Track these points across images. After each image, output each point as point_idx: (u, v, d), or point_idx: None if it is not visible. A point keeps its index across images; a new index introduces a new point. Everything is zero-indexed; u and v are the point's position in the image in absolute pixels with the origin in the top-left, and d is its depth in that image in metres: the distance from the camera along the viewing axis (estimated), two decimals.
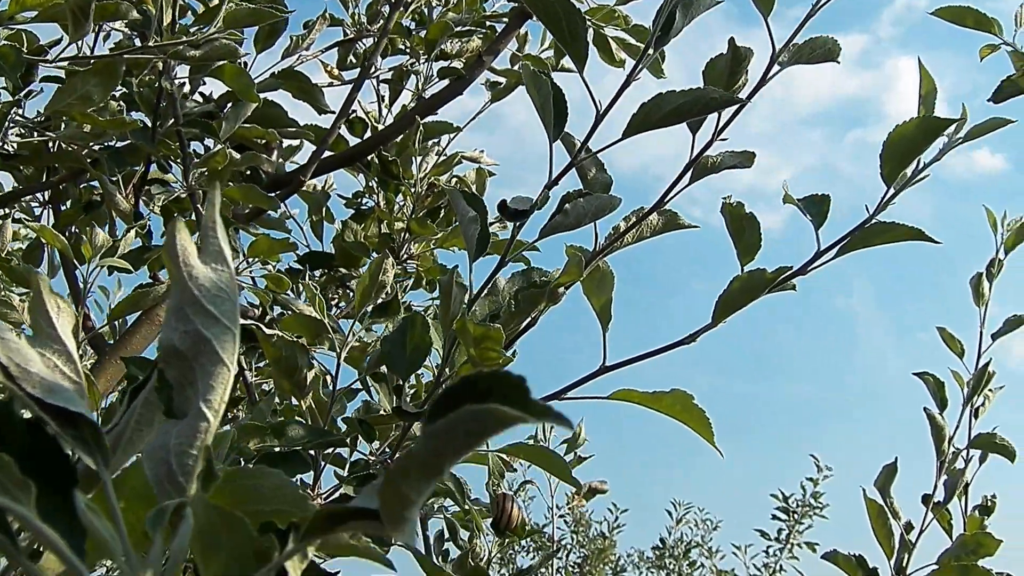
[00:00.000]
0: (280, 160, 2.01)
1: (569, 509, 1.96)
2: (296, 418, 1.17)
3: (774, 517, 4.47)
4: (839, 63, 1.11)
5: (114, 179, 1.63)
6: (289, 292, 1.50)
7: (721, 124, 1.15)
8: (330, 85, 2.09)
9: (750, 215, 1.13)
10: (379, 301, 1.26)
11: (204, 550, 0.46)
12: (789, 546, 4.44)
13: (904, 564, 1.85)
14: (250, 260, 1.61)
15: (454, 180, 1.84)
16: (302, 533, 0.45)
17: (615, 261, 1.19)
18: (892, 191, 1.14)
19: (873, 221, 1.14)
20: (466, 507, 1.19)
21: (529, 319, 1.20)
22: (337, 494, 1.16)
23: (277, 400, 1.30)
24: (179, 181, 1.62)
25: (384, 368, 1.18)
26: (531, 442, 1.13)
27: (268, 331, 1.14)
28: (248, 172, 1.80)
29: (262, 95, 1.86)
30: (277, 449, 1.08)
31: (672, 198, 1.18)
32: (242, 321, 1.13)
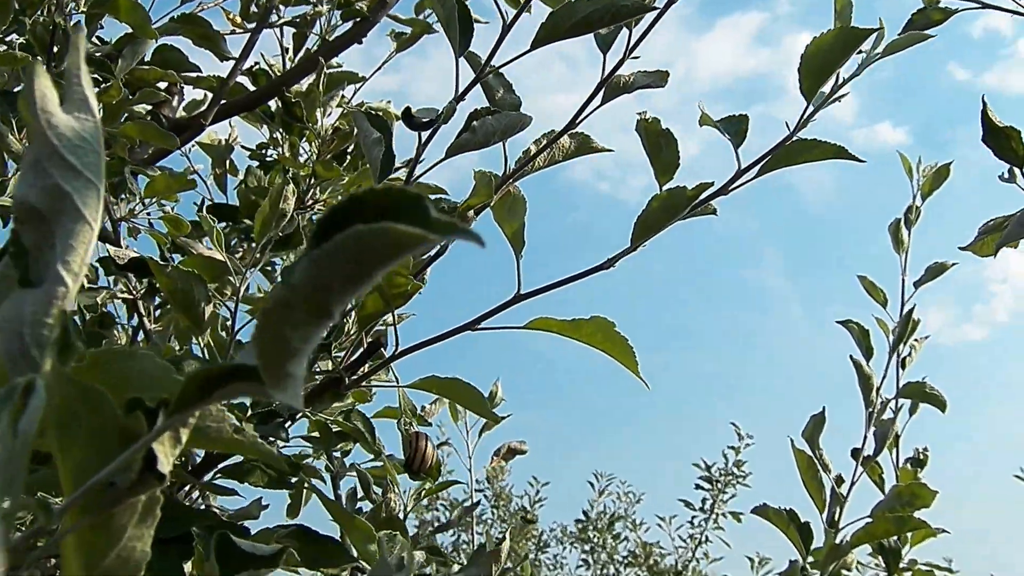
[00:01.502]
0: (184, 113, 1.95)
1: (491, 470, 1.92)
2: (194, 354, 1.11)
3: (697, 487, 4.46)
4: None
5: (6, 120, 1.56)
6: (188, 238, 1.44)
7: (633, 42, 1.12)
8: (232, 33, 2.02)
9: (667, 131, 1.10)
10: (281, 233, 1.21)
11: (60, 429, 0.42)
12: (714, 516, 4.43)
13: (836, 517, 1.85)
14: (147, 202, 1.55)
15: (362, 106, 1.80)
16: (172, 408, 0.40)
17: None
18: (812, 108, 1.12)
19: (794, 139, 1.12)
20: (376, 450, 1.14)
21: (438, 247, 1.16)
22: None
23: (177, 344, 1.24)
24: None
25: None
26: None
27: (162, 262, 1.09)
28: (148, 118, 1.74)
29: (161, 40, 1.80)
30: None
31: (584, 119, 1.15)
32: (135, 253, 1.07)
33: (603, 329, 1.07)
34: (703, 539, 4.55)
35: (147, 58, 1.80)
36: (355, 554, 1.09)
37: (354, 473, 1.43)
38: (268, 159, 1.90)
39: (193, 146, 1.91)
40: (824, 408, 1.90)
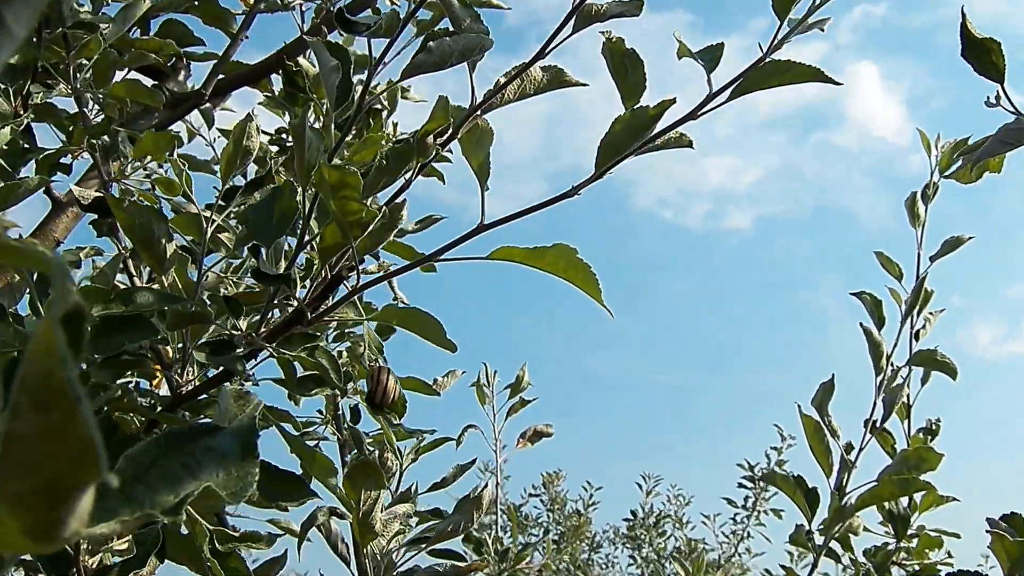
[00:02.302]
0: (188, 86, 1.92)
1: (519, 445, 1.87)
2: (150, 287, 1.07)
3: (740, 486, 4.45)
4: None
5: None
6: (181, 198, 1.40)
7: None
8: (243, 14, 2.00)
9: (632, 52, 1.04)
10: (252, 177, 1.17)
11: None
12: (756, 513, 4.42)
13: (844, 483, 1.77)
14: (146, 167, 1.51)
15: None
16: None
17: None
18: (786, 28, 1.06)
19: (767, 60, 1.05)
20: (341, 388, 1.09)
21: (404, 181, 1.11)
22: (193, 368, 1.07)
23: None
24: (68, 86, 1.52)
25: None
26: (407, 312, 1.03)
27: (118, 197, 1.05)
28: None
29: (168, 15, 1.78)
30: (122, 312, 0.98)
31: (553, 49, 1.09)
32: (98, 193, 1.02)
33: (565, 256, 1.01)
34: (745, 535, 4.53)
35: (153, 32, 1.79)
36: (315, 489, 1.04)
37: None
38: (288, 144, 1.86)
39: (217, 137, 1.88)
40: (833, 375, 1.83)
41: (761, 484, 4.45)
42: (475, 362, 2.18)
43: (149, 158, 1.42)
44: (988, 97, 1.10)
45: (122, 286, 1.54)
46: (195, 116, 1.84)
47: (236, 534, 1.08)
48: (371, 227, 1.00)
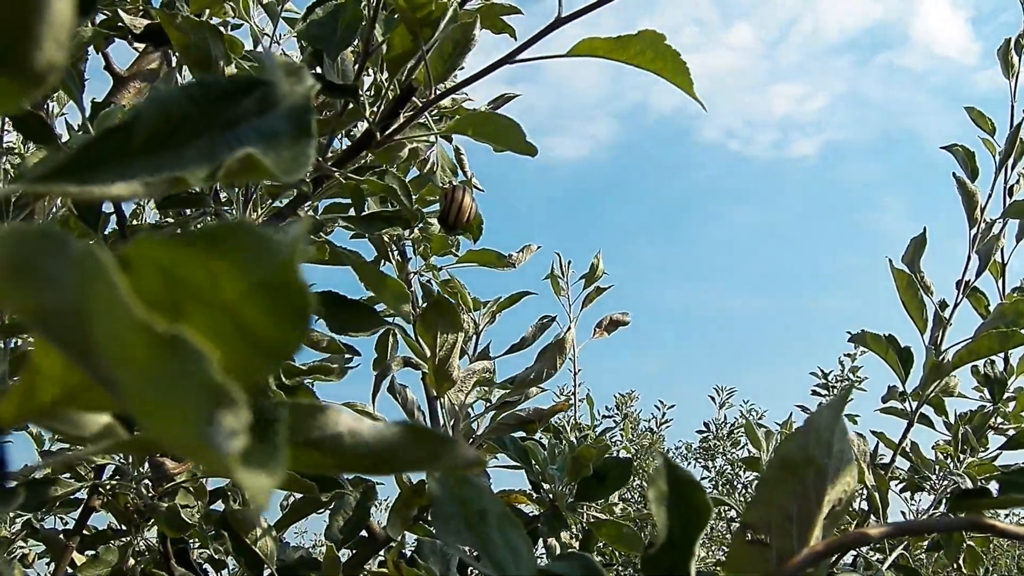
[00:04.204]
0: None
1: (596, 335, 1.76)
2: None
3: (814, 393, 4.32)
4: None
5: None
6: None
7: None
8: None
9: None
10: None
11: None
12: None
13: (939, 340, 1.63)
14: None
15: None
16: None
17: None
18: None
19: None
20: (412, 212, 0.97)
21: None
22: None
23: None
24: None
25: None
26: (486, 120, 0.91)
27: (170, 12, 0.94)
28: None
29: None
30: None
31: None
32: (143, 21, 0.90)
33: (653, 44, 0.88)
34: None
35: None
36: (386, 316, 0.94)
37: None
38: None
39: None
40: (925, 229, 1.68)
41: (835, 391, 4.32)
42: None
43: (208, 12, 1.31)
44: None
45: None
46: None
47: (303, 367, 0.98)
48: (440, 29, 0.88)
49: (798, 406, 4.46)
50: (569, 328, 1.14)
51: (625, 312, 1.90)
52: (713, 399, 5.02)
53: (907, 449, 1.62)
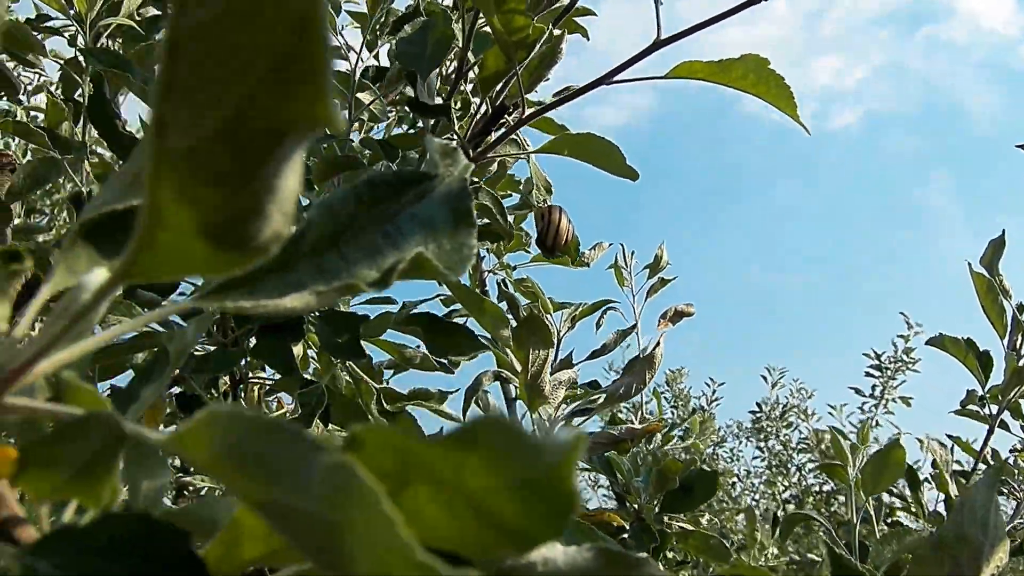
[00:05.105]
0: None
1: (661, 327, 1.72)
2: None
3: (867, 374, 4.26)
4: None
5: None
6: None
7: None
8: None
9: None
10: (401, 13, 1.03)
11: None
12: (884, 401, 4.23)
13: (1019, 344, 1.59)
14: None
15: None
16: None
17: None
18: None
19: None
20: (507, 230, 0.95)
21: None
22: None
23: None
24: None
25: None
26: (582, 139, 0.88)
27: None
28: None
29: None
30: None
31: None
32: None
33: (756, 68, 0.85)
34: (874, 424, 4.35)
35: None
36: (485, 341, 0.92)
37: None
38: None
39: None
40: (1004, 231, 1.63)
41: (888, 373, 4.25)
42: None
43: None
44: None
45: None
46: None
47: (404, 392, 0.97)
48: (535, 50, 0.85)
49: (851, 388, 4.41)
50: (658, 344, 1.11)
51: (690, 303, 1.87)
52: (765, 379, 4.97)
53: (986, 456, 1.58)
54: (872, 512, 1.29)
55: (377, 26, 0.99)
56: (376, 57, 1.02)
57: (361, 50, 0.99)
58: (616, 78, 0.89)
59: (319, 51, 0.17)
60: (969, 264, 1.56)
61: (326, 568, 0.22)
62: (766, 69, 0.85)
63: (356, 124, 0.97)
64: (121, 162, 0.96)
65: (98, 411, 0.26)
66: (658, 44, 0.88)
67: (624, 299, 2.04)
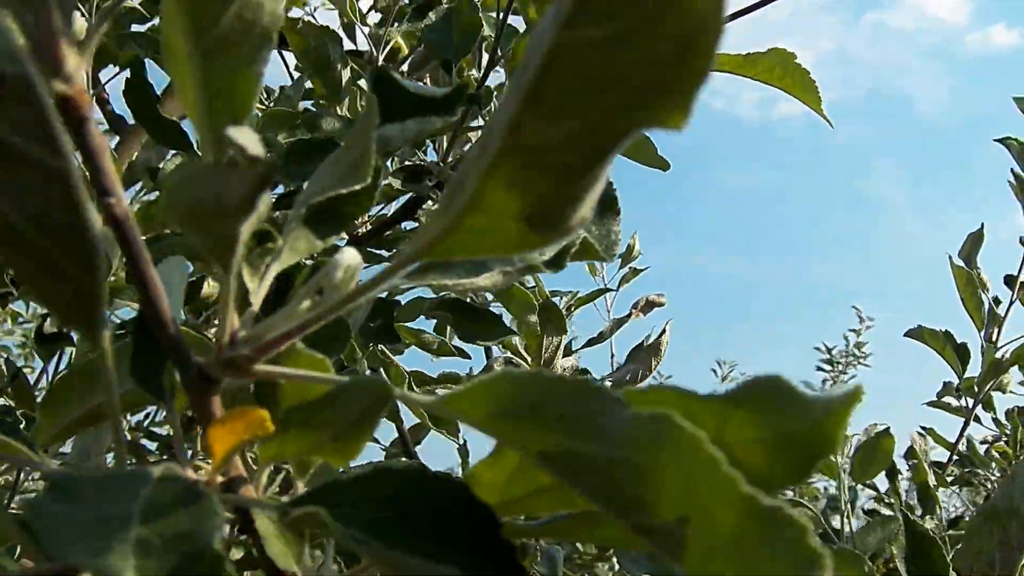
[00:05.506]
0: None
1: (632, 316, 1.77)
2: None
3: (818, 369, 4.34)
4: None
5: None
6: None
7: None
8: None
9: None
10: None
11: None
12: None
13: (994, 337, 1.66)
14: None
15: None
16: None
17: None
18: None
19: None
20: None
21: None
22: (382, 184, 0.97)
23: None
24: None
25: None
26: None
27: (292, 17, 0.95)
28: None
29: None
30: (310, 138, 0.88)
31: None
32: None
33: (782, 62, 0.90)
34: None
35: None
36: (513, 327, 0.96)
37: None
38: None
39: None
40: (983, 224, 1.71)
41: (839, 367, 4.34)
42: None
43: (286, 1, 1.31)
44: None
45: None
46: None
47: (434, 376, 1.00)
48: None
49: (803, 382, 4.50)
50: (664, 331, 1.15)
51: (661, 293, 1.92)
52: (715, 372, 5.04)
53: (961, 448, 1.65)
54: (848, 503, 1.35)
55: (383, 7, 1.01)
56: (354, 41, 1.05)
57: (383, 35, 1.02)
58: None
59: (704, 64, 0.21)
60: (950, 257, 1.63)
61: (616, 511, 0.25)
62: (792, 63, 0.90)
63: None
64: (161, 146, 0.98)
65: (369, 376, 0.29)
66: None
67: (595, 286, 2.08)
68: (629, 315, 1.88)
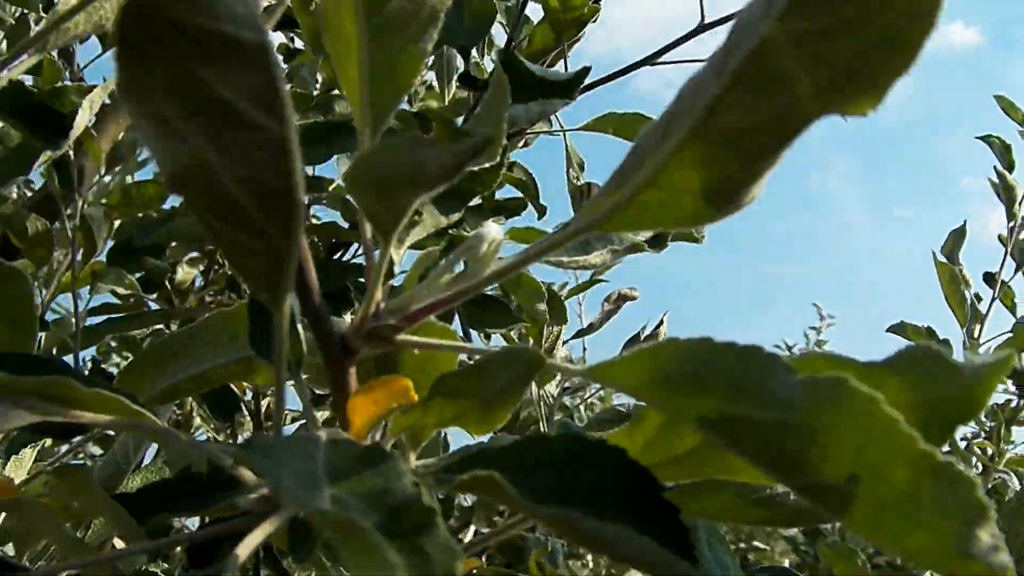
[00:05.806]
0: None
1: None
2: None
3: None
4: None
5: None
6: None
7: None
8: None
9: None
10: None
11: None
12: None
13: (976, 334, 1.70)
14: None
15: None
16: None
17: None
18: None
19: None
20: (542, 206, 1.01)
21: None
22: None
23: None
24: None
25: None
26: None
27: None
28: None
29: None
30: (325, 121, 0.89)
31: None
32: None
33: None
34: None
35: None
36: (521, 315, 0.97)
37: None
38: None
39: None
40: (965, 221, 1.75)
41: None
42: None
43: None
44: None
45: None
46: None
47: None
48: (588, 26, 0.91)
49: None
50: (661, 322, 1.18)
51: (633, 287, 1.95)
52: None
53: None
54: None
55: None
56: None
57: None
58: (659, 60, 0.96)
59: (912, 57, 0.22)
60: (934, 253, 1.67)
61: (779, 473, 0.27)
62: None
63: None
64: None
65: (520, 345, 0.30)
66: (702, 27, 0.95)
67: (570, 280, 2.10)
68: (617, 307, 1.90)
